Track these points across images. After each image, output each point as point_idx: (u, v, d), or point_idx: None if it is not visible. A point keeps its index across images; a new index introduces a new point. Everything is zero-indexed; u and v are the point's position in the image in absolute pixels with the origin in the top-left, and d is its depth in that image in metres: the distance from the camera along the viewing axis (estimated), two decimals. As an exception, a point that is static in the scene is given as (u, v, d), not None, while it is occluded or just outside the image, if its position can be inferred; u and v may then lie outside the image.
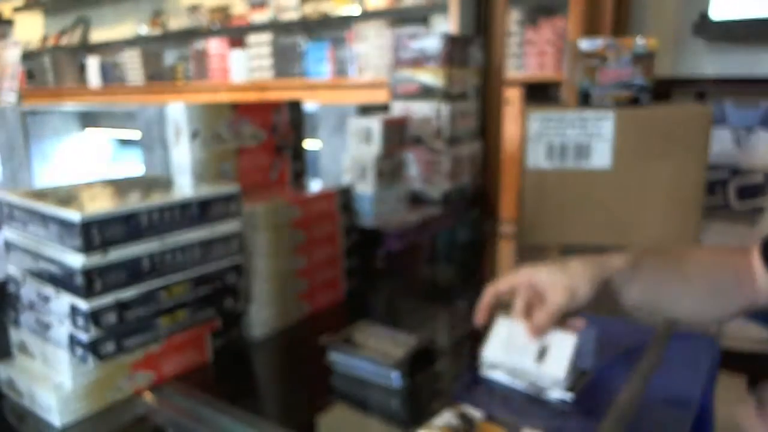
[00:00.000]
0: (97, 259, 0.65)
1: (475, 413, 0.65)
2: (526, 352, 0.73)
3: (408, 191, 1.29)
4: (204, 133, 0.92)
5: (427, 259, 1.25)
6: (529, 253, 1.36)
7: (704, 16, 1.82)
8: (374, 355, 0.77)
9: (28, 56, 5.96)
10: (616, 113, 1.26)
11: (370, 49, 3.72)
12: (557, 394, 0.70)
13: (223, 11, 4.64)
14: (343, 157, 1.21)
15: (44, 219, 0.68)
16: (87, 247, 0.64)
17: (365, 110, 1.35)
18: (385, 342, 0.80)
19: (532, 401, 0.70)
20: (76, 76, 5.86)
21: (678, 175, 1.25)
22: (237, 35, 4.43)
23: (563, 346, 0.72)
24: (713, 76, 1.97)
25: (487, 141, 1.64)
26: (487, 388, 0.74)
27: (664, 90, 1.97)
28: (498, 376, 0.74)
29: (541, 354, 0.72)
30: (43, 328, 0.70)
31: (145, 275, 0.70)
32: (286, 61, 4.13)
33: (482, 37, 1.59)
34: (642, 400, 0.67)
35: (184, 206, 0.74)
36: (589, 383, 0.73)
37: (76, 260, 0.64)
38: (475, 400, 0.71)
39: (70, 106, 2.28)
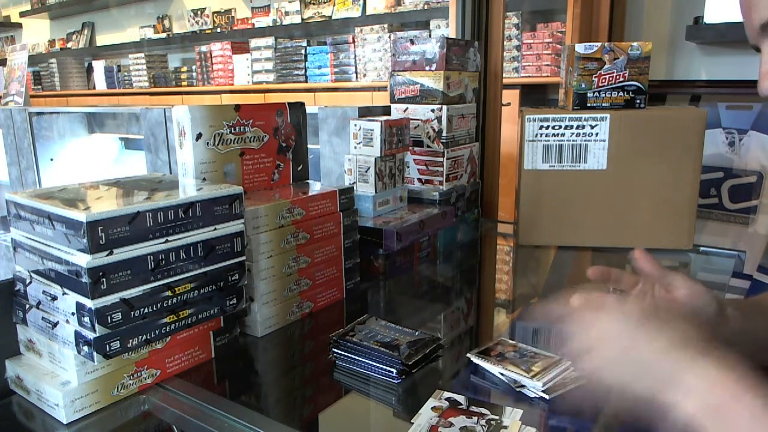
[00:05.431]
0: (102, 259, 0.66)
1: (460, 398, 0.68)
2: (513, 361, 0.76)
3: (408, 192, 1.30)
4: (207, 135, 0.93)
5: (426, 259, 1.26)
6: (527, 253, 1.37)
7: (698, 20, 1.83)
8: (376, 351, 0.78)
9: (34, 60, 6.00)
10: (612, 115, 1.27)
11: (371, 53, 3.73)
12: (538, 393, 0.71)
13: (226, 15, 4.66)
14: (344, 158, 1.23)
15: (51, 219, 0.68)
16: (93, 247, 0.65)
17: (366, 112, 1.36)
18: (387, 338, 0.81)
19: (516, 394, 0.72)
20: (82, 80, 5.89)
21: (673, 176, 1.26)
22: (240, 39, 4.45)
23: (551, 362, 0.75)
24: (707, 79, 1.97)
25: (485, 142, 1.65)
26: (478, 380, 0.76)
27: (659, 93, 1.98)
28: (488, 366, 0.76)
29: (529, 366, 0.74)
30: (49, 327, 0.71)
31: (149, 274, 0.71)
32: (288, 65, 4.15)
33: (481, 41, 1.60)
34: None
35: (188, 207, 0.75)
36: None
37: (82, 260, 0.65)
38: (463, 390, 0.73)
39: (76, 108, 2.29)
